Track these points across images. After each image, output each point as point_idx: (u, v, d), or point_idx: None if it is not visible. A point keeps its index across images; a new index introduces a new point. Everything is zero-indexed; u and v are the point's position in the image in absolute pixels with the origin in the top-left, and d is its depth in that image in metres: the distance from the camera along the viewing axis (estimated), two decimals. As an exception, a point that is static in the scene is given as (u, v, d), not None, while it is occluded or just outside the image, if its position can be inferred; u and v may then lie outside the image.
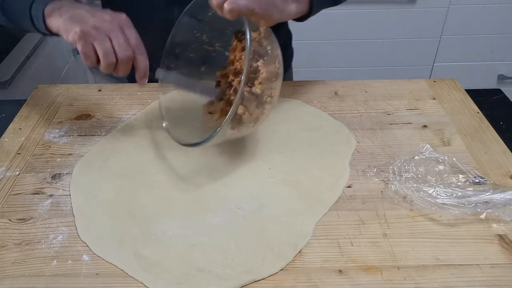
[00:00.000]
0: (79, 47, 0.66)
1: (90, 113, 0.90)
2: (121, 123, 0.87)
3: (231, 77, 0.75)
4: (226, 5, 0.62)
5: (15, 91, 1.34)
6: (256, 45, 0.65)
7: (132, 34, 0.67)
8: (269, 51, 0.67)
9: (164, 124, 0.76)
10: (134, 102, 0.92)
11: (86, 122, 0.87)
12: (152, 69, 0.74)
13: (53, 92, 0.96)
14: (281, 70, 0.69)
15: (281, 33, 0.74)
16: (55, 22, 0.68)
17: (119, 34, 0.66)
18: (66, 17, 0.66)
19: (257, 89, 0.65)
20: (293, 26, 1.81)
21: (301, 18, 0.74)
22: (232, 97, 0.73)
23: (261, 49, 0.66)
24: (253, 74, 0.65)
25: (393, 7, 1.83)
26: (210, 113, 0.77)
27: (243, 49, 0.71)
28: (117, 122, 0.87)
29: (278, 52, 0.69)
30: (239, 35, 0.74)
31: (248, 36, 0.61)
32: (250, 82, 0.65)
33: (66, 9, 0.68)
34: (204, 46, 0.78)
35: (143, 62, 0.68)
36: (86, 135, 0.84)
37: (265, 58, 0.65)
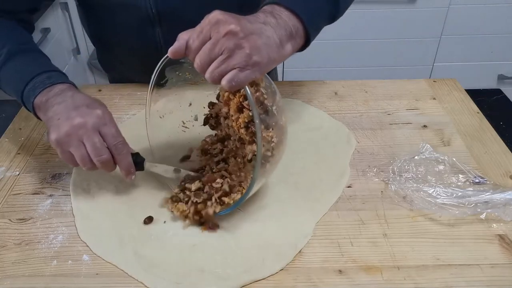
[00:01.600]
0: (58, 153, 0.66)
1: (90, 113, 0.89)
2: (121, 123, 0.87)
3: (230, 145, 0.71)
4: (224, 83, 0.55)
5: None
6: (261, 111, 0.58)
7: (109, 133, 0.65)
8: (274, 110, 0.61)
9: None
10: (134, 102, 0.92)
11: (86, 122, 0.87)
12: (146, 77, 0.69)
13: (53, 92, 0.96)
14: (286, 122, 0.64)
15: None
16: (42, 118, 0.69)
17: (92, 138, 0.63)
18: (47, 117, 0.67)
19: (270, 155, 0.61)
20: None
21: (300, 49, 0.69)
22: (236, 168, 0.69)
23: (267, 116, 0.59)
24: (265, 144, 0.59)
25: (393, 7, 1.83)
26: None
27: (238, 108, 0.63)
28: (117, 122, 0.87)
29: (282, 103, 0.63)
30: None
31: (257, 122, 0.55)
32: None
33: (51, 103, 0.67)
34: (188, 83, 0.72)
35: (122, 161, 0.66)
36: (86, 135, 0.84)
37: (273, 124, 0.60)
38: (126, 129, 0.85)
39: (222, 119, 0.72)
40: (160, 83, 0.68)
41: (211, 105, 0.74)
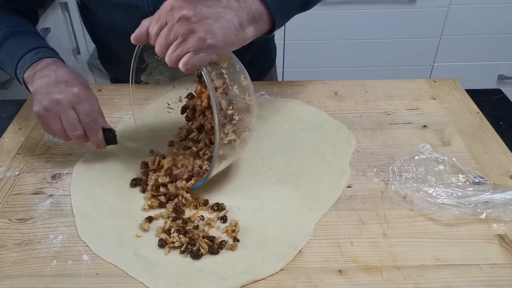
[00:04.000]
0: (40, 124, 0.73)
1: (90, 113, 0.90)
2: (121, 123, 0.87)
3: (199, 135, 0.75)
4: (181, 66, 0.59)
5: (15, 91, 1.34)
6: (220, 96, 0.62)
7: (82, 111, 0.70)
8: (236, 89, 0.64)
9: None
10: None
11: (86, 122, 0.87)
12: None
13: (53, 92, 0.96)
14: (253, 101, 0.67)
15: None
16: (31, 90, 0.75)
17: (67, 114, 0.69)
18: (32, 90, 0.73)
19: (231, 137, 0.64)
20: (292, 26, 1.82)
21: (266, 33, 0.70)
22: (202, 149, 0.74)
23: (227, 96, 0.63)
24: (226, 122, 0.63)
25: (393, 7, 1.83)
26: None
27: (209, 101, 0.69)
28: (117, 122, 0.87)
29: (247, 83, 0.66)
30: (202, 79, 0.70)
31: (214, 103, 0.59)
32: (223, 132, 0.63)
33: (36, 77, 0.73)
34: (167, 66, 0.74)
35: (93, 137, 0.72)
36: (86, 135, 0.84)
37: (233, 102, 0.63)
38: (126, 128, 0.85)
39: (197, 112, 0.75)
40: (141, 68, 0.72)
41: (190, 96, 0.77)
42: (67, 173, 0.75)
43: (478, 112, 0.88)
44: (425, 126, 0.85)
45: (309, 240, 0.62)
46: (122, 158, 0.78)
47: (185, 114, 0.78)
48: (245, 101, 0.65)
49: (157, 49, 0.60)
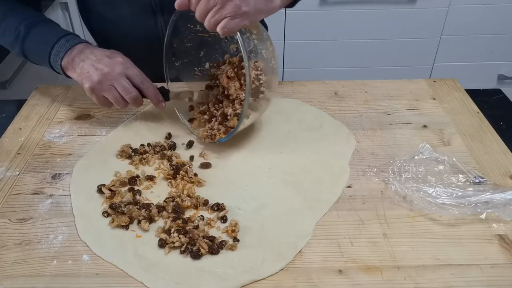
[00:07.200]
0: (94, 100, 0.80)
1: (90, 113, 0.90)
2: (121, 123, 0.87)
3: (225, 101, 0.82)
4: (218, 30, 0.66)
5: (15, 91, 1.34)
6: (252, 62, 0.71)
7: (133, 73, 0.79)
8: (264, 53, 0.74)
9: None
10: (134, 102, 0.92)
11: (86, 122, 0.87)
12: (155, 66, 0.82)
13: (53, 92, 0.96)
14: (277, 65, 0.76)
15: None
16: (72, 75, 0.82)
17: (120, 81, 0.77)
18: (77, 74, 0.79)
19: (259, 84, 0.72)
20: (292, 26, 1.82)
21: (289, 5, 0.79)
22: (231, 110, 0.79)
23: (256, 56, 0.71)
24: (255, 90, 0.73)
25: (393, 7, 1.83)
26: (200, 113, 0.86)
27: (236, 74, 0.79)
28: (117, 122, 0.87)
29: (272, 48, 0.75)
30: (232, 59, 0.81)
31: (247, 66, 0.68)
32: (254, 96, 0.73)
33: (76, 62, 0.79)
34: (198, 34, 0.83)
35: (150, 92, 0.80)
36: (86, 135, 0.84)
37: (261, 60, 0.72)
38: (127, 128, 0.85)
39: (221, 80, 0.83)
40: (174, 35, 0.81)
41: (214, 64, 0.87)
42: (67, 173, 0.75)
43: (478, 112, 0.88)
44: (425, 126, 0.85)
45: (309, 240, 0.62)
46: (122, 158, 0.78)
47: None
48: (271, 64, 0.74)
49: (197, 14, 0.67)
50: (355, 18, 1.83)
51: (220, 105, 0.83)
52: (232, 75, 0.79)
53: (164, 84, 0.85)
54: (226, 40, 0.85)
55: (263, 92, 0.74)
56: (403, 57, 1.96)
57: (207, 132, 0.80)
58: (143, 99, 0.81)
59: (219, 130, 0.78)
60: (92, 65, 0.77)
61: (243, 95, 0.75)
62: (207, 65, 0.88)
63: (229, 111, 0.78)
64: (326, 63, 1.95)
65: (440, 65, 1.98)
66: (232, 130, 0.76)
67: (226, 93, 0.82)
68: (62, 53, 0.81)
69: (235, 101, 0.78)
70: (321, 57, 1.92)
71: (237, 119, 0.76)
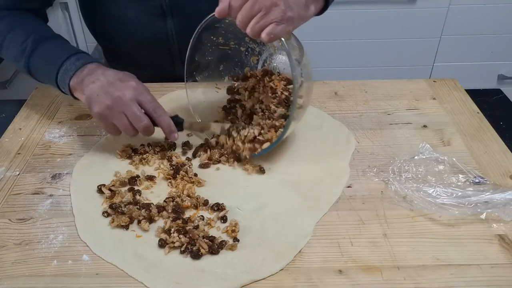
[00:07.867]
0: (102, 126, 0.74)
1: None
2: (121, 123, 0.87)
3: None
4: (264, 36, 0.64)
5: (15, 91, 1.34)
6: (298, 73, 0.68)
7: (145, 100, 0.73)
8: (305, 59, 0.72)
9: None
10: (134, 102, 0.92)
11: (86, 122, 0.87)
12: (160, 68, 0.79)
13: (53, 92, 0.96)
14: (311, 71, 0.75)
15: None
16: (80, 97, 0.76)
17: (131, 107, 0.71)
18: (86, 96, 0.73)
19: (300, 102, 0.71)
20: (293, 26, 1.81)
21: (319, 13, 0.78)
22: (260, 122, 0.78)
23: (299, 65, 0.69)
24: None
25: (393, 7, 1.83)
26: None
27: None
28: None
29: (306, 56, 0.73)
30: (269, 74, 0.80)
31: (294, 66, 0.66)
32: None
33: (86, 83, 0.73)
34: (219, 47, 0.81)
35: (162, 121, 0.74)
36: (86, 135, 0.84)
37: (302, 71, 0.70)
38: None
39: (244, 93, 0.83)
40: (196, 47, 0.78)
41: (235, 77, 0.86)
42: (67, 173, 0.75)
43: (478, 112, 0.88)
44: (425, 126, 0.85)
45: (309, 240, 0.62)
46: (122, 158, 0.78)
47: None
48: (309, 71, 0.73)
49: (239, 20, 0.64)
50: (355, 18, 1.83)
51: (238, 128, 0.79)
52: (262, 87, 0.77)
53: (173, 93, 0.83)
54: (246, 53, 0.83)
55: (302, 97, 0.71)
56: (403, 57, 1.96)
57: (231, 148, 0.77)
58: (155, 127, 0.75)
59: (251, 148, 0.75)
60: (102, 88, 0.72)
61: (276, 102, 0.75)
62: (226, 79, 0.86)
63: (257, 128, 0.76)
64: (326, 63, 1.95)
65: (440, 65, 1.98)
66: (269, 142, 0.74)
67: (248, 113, 0.81)
68: (72, 72, 0.76)
69: (265, 113, 0.77)
70: (321, 57, 1.92)
71: (275, 130, 0.74)
